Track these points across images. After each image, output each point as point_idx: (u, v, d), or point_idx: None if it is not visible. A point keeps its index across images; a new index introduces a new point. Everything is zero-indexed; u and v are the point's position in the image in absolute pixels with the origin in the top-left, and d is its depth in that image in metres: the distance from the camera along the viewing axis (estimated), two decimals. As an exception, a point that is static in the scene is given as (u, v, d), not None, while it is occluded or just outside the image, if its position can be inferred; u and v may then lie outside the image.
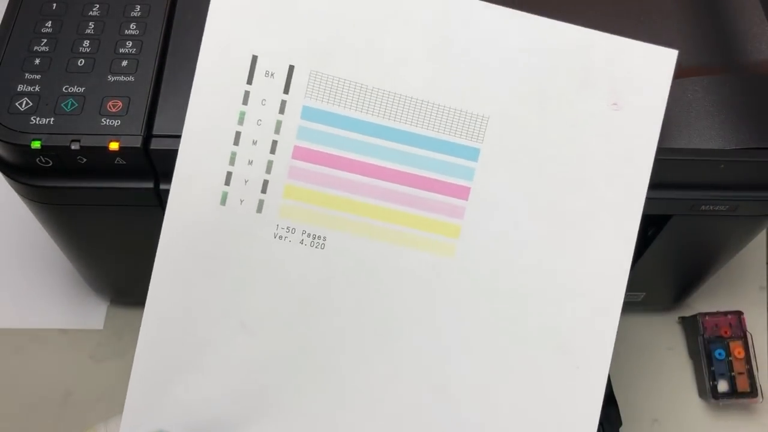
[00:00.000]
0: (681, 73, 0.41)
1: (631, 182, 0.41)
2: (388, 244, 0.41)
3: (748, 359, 0.55)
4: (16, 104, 0.40)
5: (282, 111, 0.40)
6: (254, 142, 0.40)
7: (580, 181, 0.41)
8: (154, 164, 0.41)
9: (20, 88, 0.40)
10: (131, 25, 0.43)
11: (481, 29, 0.40)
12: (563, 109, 0.40)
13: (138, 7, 0.43)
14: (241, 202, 0.40)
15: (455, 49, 0.40)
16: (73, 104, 0.40)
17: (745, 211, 0.46)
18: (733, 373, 0.55)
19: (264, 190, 0.40)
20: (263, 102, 0.39)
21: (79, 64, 0.41)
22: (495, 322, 0.42)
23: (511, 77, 0.40)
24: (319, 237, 0.41)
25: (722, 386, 0.56)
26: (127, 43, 0.42)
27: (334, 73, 0.39)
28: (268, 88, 0.39)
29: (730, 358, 0.55)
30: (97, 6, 0.43)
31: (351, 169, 0.40)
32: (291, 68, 0.39)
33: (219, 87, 0.39)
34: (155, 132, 0.40)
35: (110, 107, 0.40)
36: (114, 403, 0.55)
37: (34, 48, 0.42)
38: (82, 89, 0.41)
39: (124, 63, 0.42)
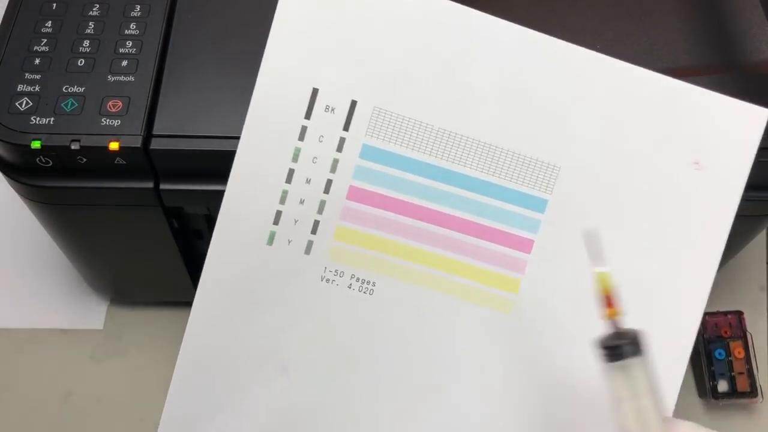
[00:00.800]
0: (681, 73, 0.41)
1: (705, 247, 0.38)
2: (441, 294, 0.39)
3: (748, 359, 0.55)
4: (16, 104, 0.40)
5: (340, 149, 0.37)
6: (308, 181, 0.37)
7: (652, 242, 0.38)
8: (154, 164, 0.41)
9: (20, 88, 0.40)
10: (131, 25, 0.43)
11: (561, 72, 0.37)
12: (640, 165, 0.37)
13: (138, 7, 0.43)
14: (289, 242, 0.38)
15: (530, 92, 0.37)
16: (73, 104, 0.40)
17: (745, 211, 0.46)
18: (733, 373, 0.55)
19: (314, 231, 0.38)
20: (321, 138, 0.37)
21: (79, 64, 0.41)
22: (548, 384, 0.39)
23: (588, 126, 0.37)
24: (368, 282, 0.39)
25: (722, 386, 0.55)
26: (127, 43, 0.42)
27: (398, 111, 0.37)
28: (327, 124, 0.37)
29: (730, 358, 0.55)
30: (97, 6, 0.43)
31: (408, 213, 0.38)
32: (353, 103, 0.37)
33: (275, 120, 0.37)
34: (155, 132, 0.40)
35: (110, 107, 0.40)
36: (114, 403, 0.55)
37: (34, 48, 0.42)
38: (82, 89, 0.41)
39: (124, 63, 0.42)
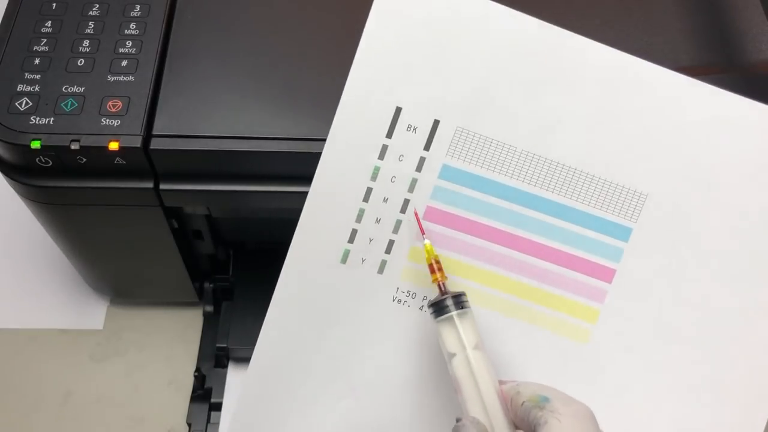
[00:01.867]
0: (681, 73, 0.41)
1: None
2: (518, 321, 0.38)
3: (748, 359, 0.55)
4: (16, 104, 0.40)
5: (419, 168, 0.37)
6: (385, 200, 0.37)
7: (740, 276, 0.37)
8: (154, 164, 0.41)
9: (20, 88, 0.40)
10: (131, 25, 0.43)
11: (652, 96, 0.36)
12: (733, 195, 0.36)
13: (138, 7, 0.43)
14: (363, 261, 0.38)
15: (620, 116, 0.36)
16: (73, 104, 0.40)
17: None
18: (733, 374, 0.55)
19: (388, 251, 0.38)
20: (401, 158, 0.37)
21: (79, 64, 0.41)
22: (623, 419, 0.38)
23: (678, 152, 0.36)
24: None
25: (722, 386, 0.55)
26: (127, 43, 0.42)
27: (482, 131, 0.36)
28: (408, 143, 0.37)
29: (730, 358, 0.55)
30: (97, 6, 0.43)
31: (485, 237, 0.37)
32: (436, 123, 0.36)
33: (357, 138, 0.37)
34: (155, 132, 0.40)
35: (110, 107, 0.40)
36: (114, 403, 0.55)
37: (34, 48, 0.42)
38: (82, 89, 0.41)
39: (124, 63, 0.42)
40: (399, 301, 0.38)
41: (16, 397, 0.55)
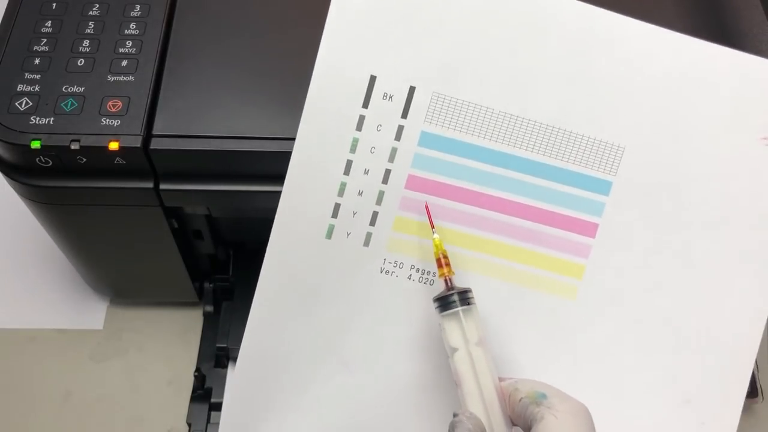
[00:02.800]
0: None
1: None
2: (503, 282, 0.38)
3: (748, 359, 0.55)
4: (16, 104, 0.40)
5: (398, 137, 0.37)
6: (366, 172, 0.37)
7: (720, 222, 0.37)
8: (154, 164, 0.41)
9: (20, 88, 0.40)
10: (131, 25, 0.43)
11: (625, 49, 0.36)
12: (707, 141, 0.36)
13: (138, 7, 0.43)
14: (348, 235, 0.38)
15: (594, 71, 0.36)
16: (73, 104, 0.40)
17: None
18: (733, 373, 0.55)
19: (372, 223, 0.38)
20: (379, 127, 0.36)
21: (79, 63, 0.41)
22: (615, 371, 0.38)
23: (653, 103, 0.36)
24: (428, 272, 0.38)
25: (722, 386, 0.55)
26: (127, 43, 0.42)
27: (458, 96, 0.36)
28: (385, 112, 0.36)
29: (730, 358, 0.55)
30: (97, 6, 0.43)
31: (468, 201, 0.37)
32: (412, 90, 0.36)
33: (332, 111, 0.36)
34: (155, 132, 0.40)
35: (110, 107, 0.40)
36: (114, 403, 0.55)
37: (34, 48, 0.42)
38: (82, 89, 0.41)
39: (124, 63, 0.42)
40: (386, 272, 0.38)
41: (16, 397, 0.55)
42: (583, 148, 0.37)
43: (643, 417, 0.39)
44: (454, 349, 0.35)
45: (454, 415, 0.33)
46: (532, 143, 0.37)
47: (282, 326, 0.39)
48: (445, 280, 0.36)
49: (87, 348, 0.57)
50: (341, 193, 0.37)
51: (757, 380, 0.55)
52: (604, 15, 0.36)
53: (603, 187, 0.37)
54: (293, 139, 0.40)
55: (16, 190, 0.43)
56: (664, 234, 0.37)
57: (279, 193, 0.42)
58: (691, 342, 0.38)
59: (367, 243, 0.38)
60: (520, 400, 0.32)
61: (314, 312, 0.39)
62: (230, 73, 0.42)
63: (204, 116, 0.41)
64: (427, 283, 0.38)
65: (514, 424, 0.33)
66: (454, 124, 0.37)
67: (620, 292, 0.38)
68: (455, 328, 0.35)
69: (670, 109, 0.36)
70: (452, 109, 0.36)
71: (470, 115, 0.37)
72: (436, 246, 0.36)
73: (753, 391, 0.55)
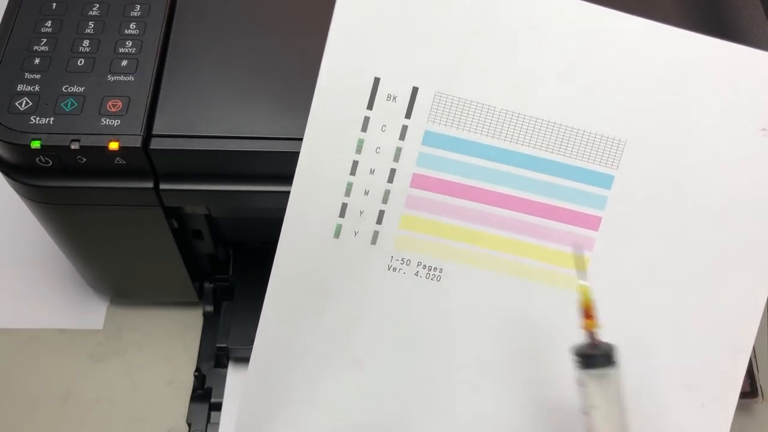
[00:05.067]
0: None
1: None
2: (510, 277, 0.39)
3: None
4: (16, 104, 0.40)
5: (402, 137, 0.37)
6: (372, 171, 0.38)
7: (720, 211, 0.38)
8: (154, 164, 0.41)
9: (20, 88, 0.40)
10: (131, 25, 0.43)
11: (623, 45, 0.37)
12: (707, 133, 0.37)
13: (138, 7, 0.43)
14: (356, 234, 0.38)
15: (594, 67, 0.37)
16: (73, 104, 0.40)
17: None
18: (733, 373, 0.55)
19: (379, 221, 0.38)
20: (383, 128, 0.37)
21: (79, 63, 0.41)
22: (622, 360, 0.38)
23: (653, 98, 0.37)
24: (435, 269, 0.39)
25: (722, 386, 0.55)
26: (127, 43, 0.42)
27: (460, 95, 0.37)
28: (389, 113, 0.37)
29: (730, 358, 0.55)
30: (97, 6, 0.43)
31: (472, 198, 0.38)
32: (414, 90, 0.37)
33: (338, 113, 0.37)
34: (155, 132, 0.40)
35: (110, 107, 0.40)
36: (114, 403, 0.55)
37: (34, 48, 0.42)
38: (82, 89, 0.41)
39: (124, 63, 0.42)
40: (394, 269, 0.39)
41: (16, 397, 0.55)
42: (585, 142, 0.37)
43: (644, 402, 0.39)
44: (595, 407, 0.34)
45: None
46: (534, 139, 0.37)
47: (293, 325, 0.39)
48: (590, 333, 0.35)
49: (87, 348, 0.57)
50: (348, 193, 0.38)
51: (757, 380, 0.55)
52: (602, 12, 0.37)
53: (605, 181, 0.38)
54: (294, 138, 0.40)
55: (16, 190, 0.43)
56: (665, 225, 0.38)
57: (279, 192, 0.42)
58: (693, 328, 0.39)
59: (374, 241, 0.39)
60: None
61: (325, 310, 0.39)
62: (230, 73, 0.42)
63: (204, 116, 0.41)
64: (434, 279, 0.39)
65: None
66: (457, 122, 0.37)
67: (624, 282, 0.39)
68: (599, 388, 0.34)
69: (670, 102, 0.37)
70: (455, 108, 0.37)
71: (473, 113, 0.37)
72: (584, 294, 0.34)
73: (753, 391, 0.55)
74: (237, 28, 0.44)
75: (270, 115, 0.41)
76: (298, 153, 0.40)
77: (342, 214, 0.38)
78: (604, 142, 0.37)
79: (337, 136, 0.37)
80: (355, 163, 0.38)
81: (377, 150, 0.37)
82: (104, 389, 0.56)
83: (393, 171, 0.38)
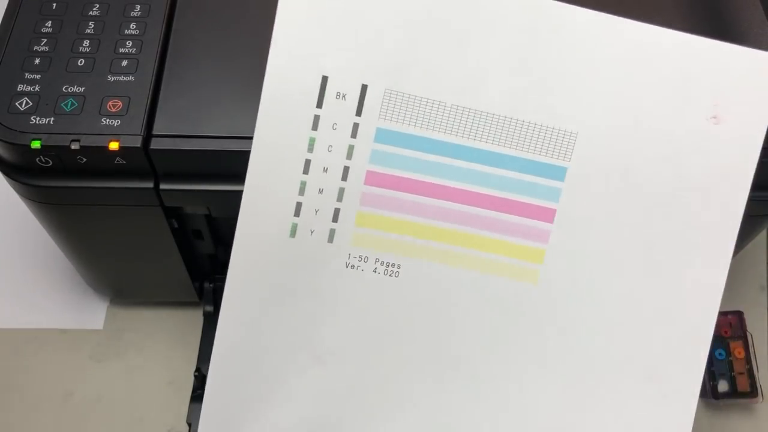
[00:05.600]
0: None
1: (727, 201, 0.38)
2: (466, 270, 0.39)
3: (748, 359, 0.55)
4: (16, 104, 0.40)
5: (354, 135, 0.37)
6: (325, 170, 0.38)
7: (674, 201, 0.38)
8: (154, 164, 0.41)
9: (20, 88, 0.40)
10: (131, 25, 0.43)
11: (571, 37, 0.37)
12: (659, 123, 0.37)
13: (138, 7, 0.43)
14: (312, 232, 0.39)
15: (542, 60, 0.37)
16: (73, 104, 0.40)
17: (745, 211, 0.46)
18: (733, 373, 0.55)
19: (335, 219, 0.38)
20: (334, 126, 0.37)
21: (79, 63, 0.41)
22: (579, 351, 0.40)
23: (603, 89, 0.37)
24: (393, 265, 0.39)
25: (722, 386, 0.55)
26: (127, 43, 0.42)
27: (410, 91, 0.37)
28: (339, 111, 0.37)
29: (730, 358, 0.55)
30: (97, 6, 0.43)
31: (426, 193, 0.38)
32: (364, 88, 0.37)
33: (287, 112, 0.37)
34: (155, 132, 0.40)
35: (110, 107, 0.40)
36: (114, 403, 0.55)
37: (34, 48, 0.42)
38: (82, 89, 0.41)
39: (124, 63, 0.42)
40: (352, 266, 0.39)
41: (16, 397, 0.55)
42: (536, 135, 0.37)
43: (605, 396, 0.40)
44: None
45: None
46: (486, 134, 0.37)
47: (252, 325, 0.40)
48: None
49: (87, 348, 0.57)
50: (302, 192, 0.38)
51: (757, 380, 0.55)
52: (552, 4, 0.37)
53: (558, 173, 0.38)
54: (293, 139, 0.40)
55: (16, 190, 0.43)
56: (620, 215, 0.38)
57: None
58: (652, 318, 0.39)
59: (331, 239, 0.39)
60: None
61: (283, 309, 0.39)
62: (230, 73, 0.42)
63: (204, 116, 0.41)
64: (393, 275, 0.39)
65: None
66: (409, 119, 0.37)
67: (581, 273, 0.39)
68: None
69: (620, 92, 0.37)
70: (405, 105, 0.37)
71: (423, 109, 0.37)
72: None
73: (753, 391, 0.55)
74: (237, 28, 0.44)
75: (270, 115, 0.41)
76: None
77: (297, 213, 0.38)
78: (556, 134, 0.37)
79: (288, 136, 0.37)
80: (307, 162, 0.38)
81: (329, 148, 0.37)
82: (104, 389, 0.56)
83: (347, 169, 0.38)
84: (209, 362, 0.54)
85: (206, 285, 0.56)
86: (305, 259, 0.39)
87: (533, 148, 0.38)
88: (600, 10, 0.45)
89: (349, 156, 0.38)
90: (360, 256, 0.39)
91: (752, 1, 0.47)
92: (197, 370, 0.54)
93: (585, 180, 0.38)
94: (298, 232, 0.38)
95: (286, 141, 0.37)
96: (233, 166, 0.41)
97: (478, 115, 0.37)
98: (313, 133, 0.37)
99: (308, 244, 0.39)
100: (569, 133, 0.37)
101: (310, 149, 0.37)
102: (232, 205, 0.45)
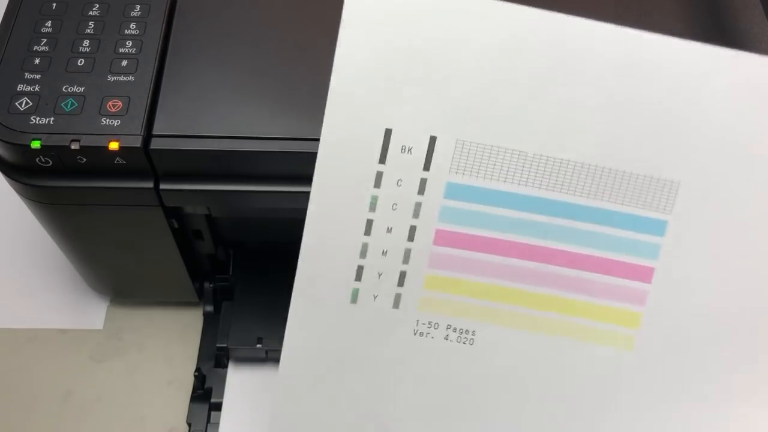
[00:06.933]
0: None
1: None
2: (550, 337, 0.35)
3: (748, 359, 0.55)
4: (16, 104, 0.40)
5: (422, 191, 0.34)
6: (389, 230, 0.35)
7: None
8: (154, 164, 0.41)
9: (20, 87, 0.40)
10: (131, 25, 0.43)
11: (672, 74, 0.32)
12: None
13: (138, 7, 0.43)
14: (375, 297, 0.36)
15: (638, 101, 0.32)
16: (73, 104, 0.40)
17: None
18: (733, 373, 0.55)
19: (401, 283, 0.35)
20: (399, 183, 0.34)
21: (79, 63, 0.41)
22: (680, 424, 0.36)
23: (710, 132, 0.33)
24: (466, 331, 0.36)
25: (722, 386, 0.55)
26: (127, 43, 0.42)
27: (485, 141, 0.33)
28: (404, 166, 0.34)
29: (730, 358, 0.55)
30: (97, 6, 0.43)
31: (504, 252, 0.35)
32: (432, 140, 0.33)
33: (346, 170, 0.34)
34: (155, 132, 0.40)
35: (110, 107, 0.40)
36: (114, 403, 0.55)
37: (34, 48, 0.42)
38: (82, 89, 0.41)
39: (124, 63, 0.42)
40: (421, 333, 0.36)
41: (16, 397, 0.55)
42: (633, 186, 0.33)
43: None
44: None
45: None
46: (573, 185, 0.34)
47: (312, 398, 0.37)
48: None
49: (87, 348, 0.57)
50: (363, 254, 0.35)
51: (757, 380, 0.55)
52: (644, 38, 0.33)
53: (657, 227, 0.34)
54: (294, 138, 0.40)
55: (16, 190, 0.43)
56: (728, 276, 0.34)
57: (280, 192, 0.42)
58: (760, 391, 0.36)
59: (396, 305, 0.36)
60: None
61: (346, 379, 0.37)
62: (230, 73, 0.42)
63: (204, 116, 0.41)
64: (466, 342, 0.36)
65: None
66: (484, 171, 0.34)
67: (682, 339, 0.35)
68: None
69: (727, 132, 0.33)
70: (480, 156, 0.33)
71: (501, 160, 0.33)
72: None
73: (753, 391, 0.55)
74: (237, 28, 0.44)
75: (270, 115, 0.41)
76: (298, 153, 0.40)
77: (358, 278, 0.35)
78: (654, 184, 0.33)
79: (347, 196, 0.34)
80: (369, 222, 0.35)
81: (393, 206, 0.34)
82: (104, 389, 0.56)
83: (413, 228, 0.35)
84: (209, 362, 0.54)
85: (206, 285, 0.56)
86: (368, 326, 0.36)
87: (629, 200, 0.34)
88: (598, 10, 0.45)
89: (416, 214, 0.34)
90: (429, 323, 0.36)
91: (752, 1, 0.47)
92: (197, 370, 0.54)
93: (687, 234, 0.34)
94: (359, 297, 0.36)
95: (345, 201, 0.34)
96: (233, 166, 0.42)
97: (565, 165, 0.33)
98: (376, 191, 0.34)
99: (371, 310, 0.36)
100: (670, 182, 0.33)
101: (372, 208, 0.34)
102: (232, 205, 0.45)
